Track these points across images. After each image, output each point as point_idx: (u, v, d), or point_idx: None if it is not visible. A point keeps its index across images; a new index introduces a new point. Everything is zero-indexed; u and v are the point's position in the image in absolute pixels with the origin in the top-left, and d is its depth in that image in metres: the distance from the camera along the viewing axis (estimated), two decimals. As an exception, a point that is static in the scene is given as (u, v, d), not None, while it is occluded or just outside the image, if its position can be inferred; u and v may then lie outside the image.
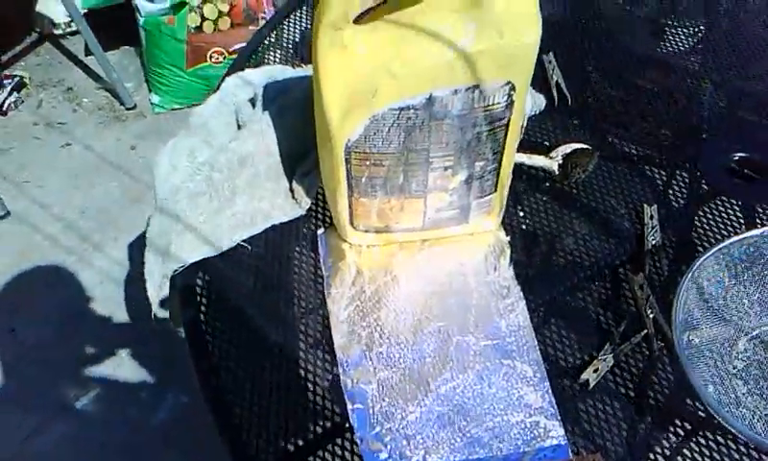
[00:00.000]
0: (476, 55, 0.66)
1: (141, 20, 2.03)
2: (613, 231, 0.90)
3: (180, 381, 1.69)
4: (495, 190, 0.83)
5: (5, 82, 2.19)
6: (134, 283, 1.85)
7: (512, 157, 0.80)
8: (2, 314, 1.80)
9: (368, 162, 0.75)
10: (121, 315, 1.81)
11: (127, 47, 2.35)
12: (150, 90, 2.20)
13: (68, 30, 2.31)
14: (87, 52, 2.26)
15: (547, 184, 0.94)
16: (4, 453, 1.57)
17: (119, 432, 1.62)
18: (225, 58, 2.06)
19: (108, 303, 1.81)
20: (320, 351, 0.80)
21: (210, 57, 2.05)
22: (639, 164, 0.97)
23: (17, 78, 2.23)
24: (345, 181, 0.78)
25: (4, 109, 2.18)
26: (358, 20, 0.67)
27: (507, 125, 0.75)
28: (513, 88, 0.71)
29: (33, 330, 1.78)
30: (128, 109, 2.21)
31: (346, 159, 0.75)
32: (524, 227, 0.91)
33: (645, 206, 0.91)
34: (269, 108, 0.90)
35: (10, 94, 2.19)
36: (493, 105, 0.71)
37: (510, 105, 0.72)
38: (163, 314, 0.93)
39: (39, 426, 1.62)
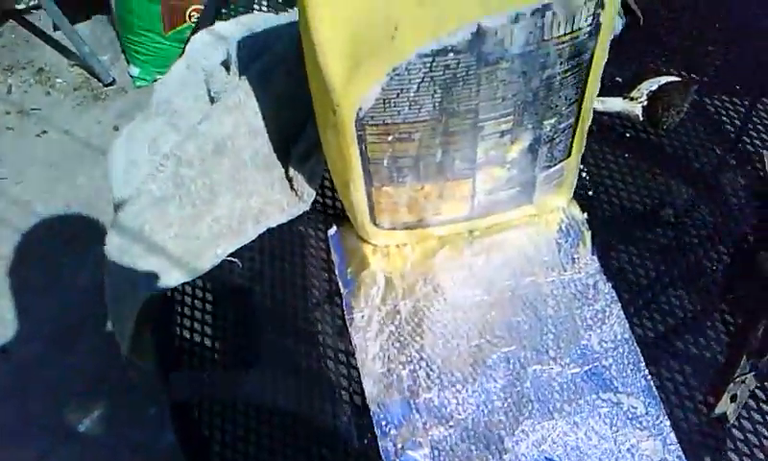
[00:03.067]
0: (547, -43, 0.42)
1: (108, -17, 1.79)
2: (726, 193, 0.66)
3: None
4: (570, 155, 0.59)
5: (-31, 69, 1.96)
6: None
7: (591, 105, 0.56)
8: (-10, 332, 1.61)
9: (390, 137, 0.52)
10: (119, 321, 1.61)
11: (98, 16, 2.09)
12: (128, 62, 1.95)
13: (31, 3, 2.05)
14: (56, 27, 2.01)
15: (628, 135, 0.70)
16: (3, 490, 1.40)
17: (124, 456, 1.43)
18: (206, 16, 1.80)
19: (105, 309, 1.61)
20: (346, 406, 0.58)
21: (190, 16, 1.79)
22: (749, 98, 0.72)
23: (-19, 63, 1.99)
24: (359, 167, 0.55)
25: (-29, 99, 1.95)
26: None
27: (590, 60, 0.51)
28: (601, 4, 0.47)
29: (27, 348, 1.58)
30: (106, 85, 1.96)
31: (358, 136, 0.52)
32: (602, 197, 0.67)
33: (765, 153, 0.67)
34: (247, 70, 0.67)
35: (-25, 82, 1.96)
36: (573, 32, 0.47)
37: (596, 29, 0.48)
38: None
39: (41, 456, 1.44)
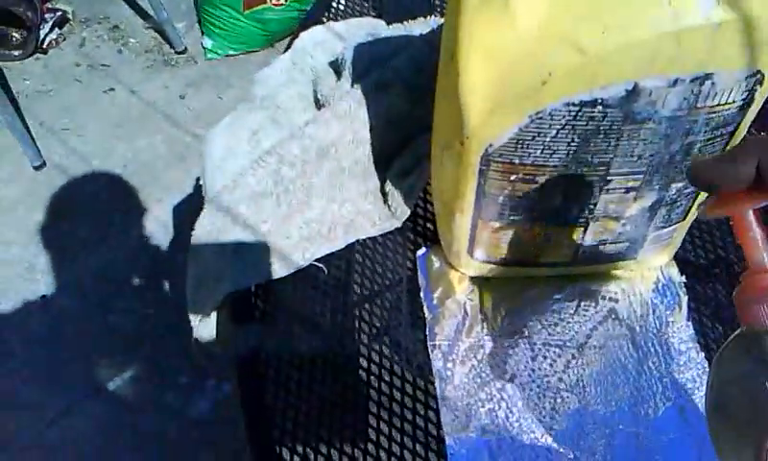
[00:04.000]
0: (717, 28, 0.41)
1: (194, -47, 1.80)
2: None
3: (223, 369, 1.51)
4: (685, 218, 0.58)
5: (46, 16, 1.99)
6: (179, 254, 1.65)
7: (717, 174, 0.54)
8: (32, 278, 1.63)
9: (513, 176, 0.51)
10: (162, 289, 1.62)
11: (178, -17, 2.12)
12: (202, 33, 1.97)
13: (115, -39, 2.09)
14: (136, -13, 2.04)
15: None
16: (26, 437, 1.42)
17: (153, 420, 1.44)
18: (287, 1, 1.80)
19: (149, 273, 1.63)
20: (420, 432, 0.57)
21: (271, -1, 1.80)
22: None
23: (60, 12, 2.01)
24: (472, 199, 0.54)
25: (44, 46, 1.98)
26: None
27: (733, 133, 0.49)
28: (760, 81, 0.45)
29: (65, 299, 1.60)
30: (177, 52, 1.98)
31: (480, 171, 0.51)
32: (701, 262, 0.66)
33: None
34: (361, 79, 0.66)
35: (51, 30, 1.99)
36: (725, 104, 0.46)
37: (748, 104, 0.47)
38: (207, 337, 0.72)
39: (67, 408, 1.46)
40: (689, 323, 0.61)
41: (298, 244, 0.65)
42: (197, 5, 1.99)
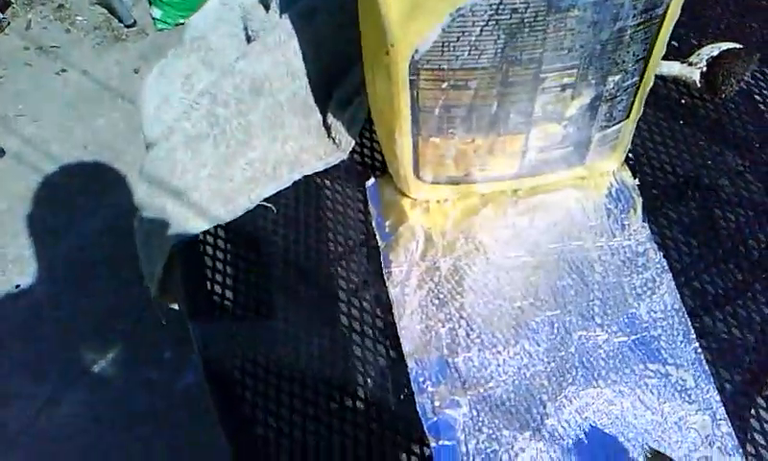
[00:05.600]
0: None
1: None
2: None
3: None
4: (628, 116, 0.57)
5: (-12, 1, 1.92)
6: (147, 228, 1.62)
7: (656, 65, 0.53)
8: (3, 269, 1.60)
9: (444, 84, 0.49)
10: (134, 266, 1.59)
11: (121, -47, 2.05)
12: (150, 4, 1.91)
13: (53, -63, 2.01)
14: (78, -38, 1.97)
15: (684, 101, 0.67)
16: (17, 427, 1.40)
17: (141, 398, 1.43)
18: (232, -41, 1.75)
19: (121, 252, 1.60)
20: (382, 360, 0.56)
21: (216, -42, 1.74)
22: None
23: (1, -4, 1.95)
24: (408, 115, 0.52)
25: (-11, 32, 1.92)
26: None
27: (663, 16, 0.48)
28: (683, -47, 0.43)
29: (39, 286, 1.58)
30: (127, 26, 1.92)
31: (411, 81, 0.49)
32: (653, 163, 0.64)
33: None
34: (288, 10, 0.64)
35: (-6, 15, 1.93)
36: (650, -18, 0.44)
37: (675, -19, 0.45)
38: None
39: (54, 395, 1.44)
40: (645, 224, 0.60)
41: (242, 186, 0.63)
42: (142, -26, 1.93)
